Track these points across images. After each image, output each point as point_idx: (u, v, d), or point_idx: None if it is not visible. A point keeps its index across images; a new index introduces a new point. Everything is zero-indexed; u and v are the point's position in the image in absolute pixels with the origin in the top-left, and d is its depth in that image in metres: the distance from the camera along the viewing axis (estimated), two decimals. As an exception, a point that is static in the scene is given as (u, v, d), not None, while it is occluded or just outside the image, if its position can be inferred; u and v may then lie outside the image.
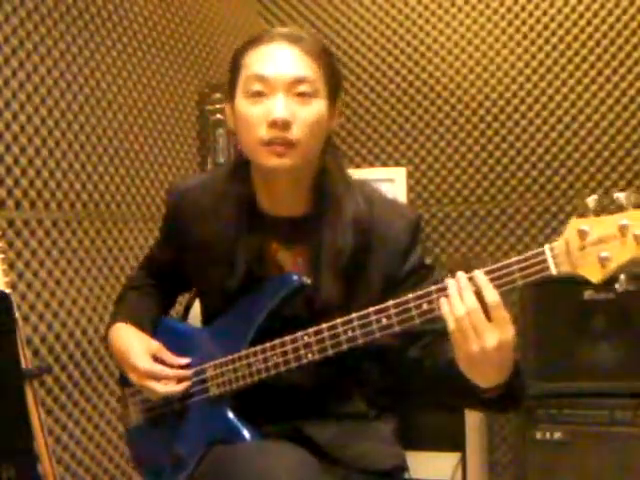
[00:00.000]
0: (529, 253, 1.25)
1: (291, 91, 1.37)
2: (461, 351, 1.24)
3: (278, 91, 1.37)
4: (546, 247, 1.24)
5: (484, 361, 1.23)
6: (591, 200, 1.21)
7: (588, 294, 2.64)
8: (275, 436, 1.44)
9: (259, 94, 1.37)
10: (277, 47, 1.39)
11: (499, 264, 1.26)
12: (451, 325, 1.24)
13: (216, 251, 1.50)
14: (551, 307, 2.70)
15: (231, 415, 1.47)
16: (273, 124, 1.36)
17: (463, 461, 2.82)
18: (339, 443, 1.49)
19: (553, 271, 1.23)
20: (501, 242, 3.35)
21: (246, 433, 1.44)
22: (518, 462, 2.85)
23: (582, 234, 1.20)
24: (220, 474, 1.39)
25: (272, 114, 1.36)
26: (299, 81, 1.37)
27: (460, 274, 1.26)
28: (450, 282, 1.26)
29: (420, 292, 1.30)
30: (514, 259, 1.26)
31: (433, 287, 1.30)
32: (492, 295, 1.23)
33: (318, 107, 1.40)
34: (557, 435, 2.71)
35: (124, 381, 1.66)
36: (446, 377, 1.36)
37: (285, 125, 1.36)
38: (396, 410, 1.61)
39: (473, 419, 2.92)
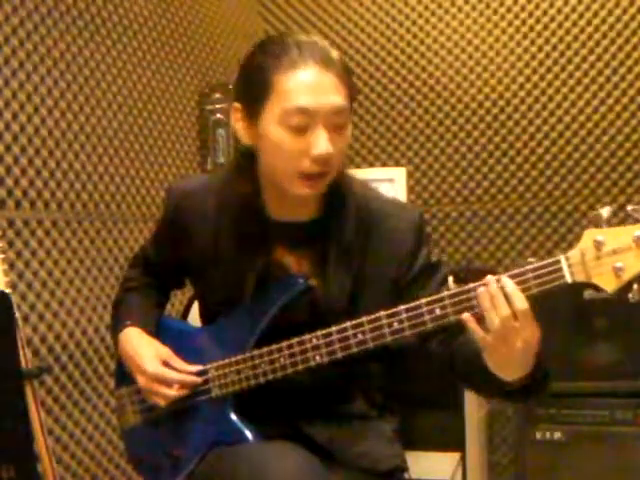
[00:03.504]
0: (544, 262, 1.27)
1: (330, 122, 1.35)
2: (490, 352, 1.28)
3: (319, 123, 1.34)
4: (562, 257, 1.26)
5: (510, 359, 1.27)
6: (605, 211, 1.25)
7: (588, 294, 2.64)
8: (276, 436, 1.44)
9: (299, 126, 1.35)
10: (314, 74, 1.34)
11: (514, 271, 1.28)
12: (490, 326, 1.25)
13: (220, 256, 1.49)
14: (551, 307, 2.70)
15: (234, 416, 1.47)
16: (317, 160, 1.35)
17: (463, 461, 2.82)
18: (340, 443, 1.49)
19: (568, 280, 1.26)
20: (501, 242, 3.35)
21: (248, 434, 1.44)
22: (518, 462, 2.85)
23: (597, 244, 1.24)
24: (222, 475, 1.39)
25: (317, 150, 1.34)
26: (338, 112, 1.36)
27: (490, 278, 1.27)
28: (481, 292, 1.27)
29: (432, 297, 1.32)
30: (529, 267, 1.28)
31: (445, 293, 1.31)
32: (521, 302, 1.25)
33: (348, 133, 1.41)
34: (557, 435, 2.70)
35: (122, 380, 1.66)
36: (466, 370, 1.39)
37: (328, 160, 1.36)
38: (397, 410, 1.61)
39: (473, 419, 2.92)
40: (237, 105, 1.43)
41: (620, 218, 1.27)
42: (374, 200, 1.51)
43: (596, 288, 1.25)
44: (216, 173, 1.62)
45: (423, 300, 1.32)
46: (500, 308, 1.25)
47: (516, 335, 1.25)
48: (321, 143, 1.34)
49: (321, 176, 1.38)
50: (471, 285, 1.30)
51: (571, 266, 1.25)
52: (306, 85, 1.34)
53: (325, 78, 1.35)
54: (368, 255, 1.46)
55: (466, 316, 1.27)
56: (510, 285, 1.26)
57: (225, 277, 1.50)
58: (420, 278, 1.47)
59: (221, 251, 1.49)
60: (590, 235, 1.25)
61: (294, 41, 1.38)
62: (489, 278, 1.28)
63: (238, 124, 1.44)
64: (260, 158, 1.43)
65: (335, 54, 1.38)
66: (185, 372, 1.50)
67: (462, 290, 1.30)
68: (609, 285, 1.24)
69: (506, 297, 1.25)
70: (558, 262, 1.26)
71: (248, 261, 1.46)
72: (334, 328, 1.38)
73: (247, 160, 1.47)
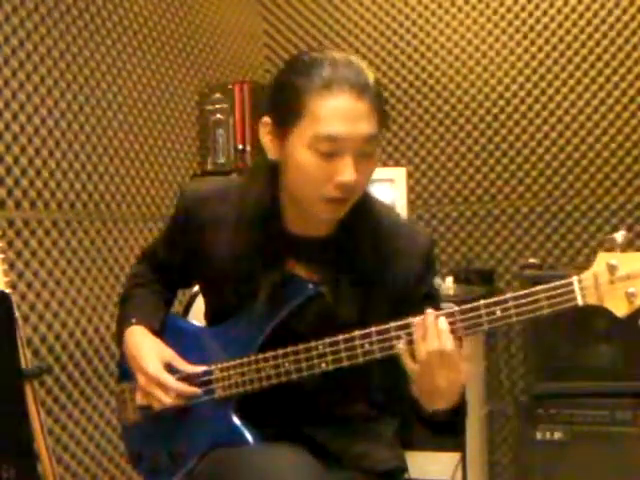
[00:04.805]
0: (557, 283, 1.28)
1: (358, 150, 1.34)
2: (415, 380, 1.34)
3: (347, 151, 1.33)
4: (574, 279, 1.27)
5: (433, 391, 1.33)
6: (619, 235, 1.26)
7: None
8: (277, 437, 1.44)
9: (330, 154, 1.34)
10: (348, 101, 1.33)
11: (526, 291, 1.29)
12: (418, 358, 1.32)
13: (232, 265, 1.48)
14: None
15: (235, 418, 1.47)
16: (341, 187, 1.35)
17: (463, 461, 2.82)
18: (340, 444, 1.49)
19: (579, 302, 1.27)
20: (501, 242, 3.35)
21: (249, 436, 1.44)
22: (518, 462, 2.85)
23: (611, 268, 1.25)
24: (221, 476, 1.39)
25: (342, 177, 1.33)
26: (368, 140, 1.35)
27: (428, 312, 1.33)
28: (417, 322, 1.33)
29: (443, 312, 1.34)
30: (540, 287, 1.28)
31: (457, 308, 1.33)
32: (448, 343, 1.30)
33: (376, 161, 1.40)
34: (557, 435, 2.71)
35: (124, 375, 1.66)
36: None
37: (352, 187, 1.36)
38: (397, 411, 1.61)
39: (473, 419, 2.92)
40: (267, 120, 1.41)
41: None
42: (390, 221, 1.51)
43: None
44: (233, 179, 1.61)
45: (430, 310, 1.34)
46: (429, 342, 1.30)
47: (440, 371, 1.30)
48: (347, 171, 1.33)
49: (343, 201, 1.38)
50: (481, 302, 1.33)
51: (583, 289, 1.26)
52: (339, 113, 1.33)
53: (358, 105, 1.33)
54: (379, 273, 1.46)
55: (400, 348, 1.33)
56: (443, 324, 1.30)
57: (236, 287, 1.49)
58: (420, 304, 1.48)
59: (234, 260, 1.48)
60: (604, 258, 1.26)
61: (329, 60, 1.36)
62: (428, 312, 1.32)
63: (266, 138, 1.42)
64: (284, 174, 1.43)
65: (371, 77, 1.37)
66: (188, 374, 1.50)
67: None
68: (620, 310, 1.26)
69: (438, 334, 1.30)
70: (570, 284, 1.27)
71: (261, 272, 1.46)
72: (341, 337, 1.38)
73: (270, 171, 1.46)
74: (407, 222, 1.58)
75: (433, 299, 1.51)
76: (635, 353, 2.68)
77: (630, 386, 2.68)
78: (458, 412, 1.40)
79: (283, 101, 1.38)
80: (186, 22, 3.11)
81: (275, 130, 1.40)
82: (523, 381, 3.16)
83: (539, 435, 2.72)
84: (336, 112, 1.33)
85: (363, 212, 1.47)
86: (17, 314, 1.93)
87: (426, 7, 3.43)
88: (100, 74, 2.59)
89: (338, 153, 1.34)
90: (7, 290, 1.88)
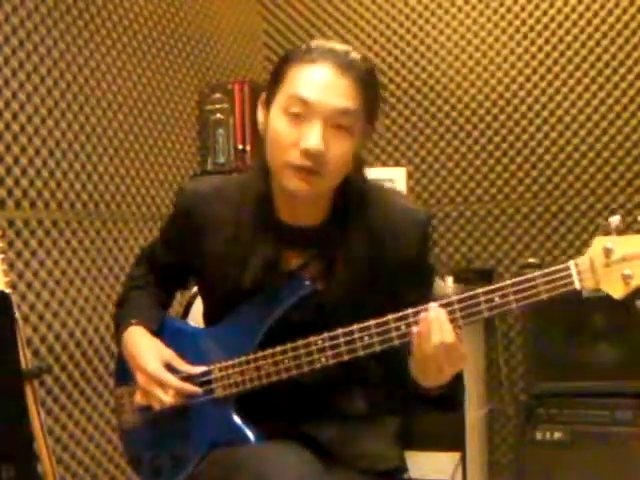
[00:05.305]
0: (554, 268, 1.29)
1: (330, 121, 1.34)
2: (417, 364, 1.36)
3: (317, 118, 1.33)
4: (571, 263, 1.29)
5: (434, 375, 1.36)
6: (614, 219, 1.28)
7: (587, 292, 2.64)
8: (277, 435, 1.44)
9: (297, 116, 1.34)
10: (326, 72, 1.34)
11: (524, 277, 1.30)
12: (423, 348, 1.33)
13: (229, 259, 1.49)
14: (551, 306, 2.70)
15: (236, 417, 1.47)
16: (305, 153, 1.34)
17: (463, 461, 2.82)
18: (340, 443, 1.49)
19: (577, 286, 1.29)
20: (501, 242, 3.35)
21: (250, 435, 1.44)
22: (518, 462, 2.85)
23: (607, 252, 1.26)
24: (222, 476, 1.39)
25: (307, 142, 1.33)
26: (341, 113, 1.35)
27: (431, 305, 1.33)
28: (422, 317, 1.34)
29: (443, 301, 1.34)
30: (539, 273, 1.30)
31: (455, 297, 1.34)
32: (449, 336, 1.30)
33: (352, 142, 1.38)
34: (557, 435, 2.71)
35: (122, 378, 1.66)
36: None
37: (317, 156, 1.34)
38: (397, 410, 1.61)
39: (473, 419, 2.92)
40: (264, 95, 1.45)
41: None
42: (387, 205, 1.50)
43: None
44: (232, 177, 1.63)
45: (432, 304, 1.34)
46: (433, 336, 1.30)
47: (444, 361, 1.31)
48: (312, 137, 1.33)
49: (311, 173, 1.36)
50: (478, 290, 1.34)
51: (580, 272, 1.28)
52: (315, 80, 1.34)
53: (337, 80, 1.34)
54: (374, 260, 1.46)
55: (415, 331, 1.33)
56: (442, 317, 1.31)
57: (234, 283, 1.49)
58: (418, 282, 1.50)
59: (231, 253, 1.49)
60: (600, 242, 1.27)
61: (324, 45, 1.38)
62: (430, 306, 1.33)
63: (260, 111, 1.45)
64: (265, 150, 1.43)
65: (363, 66, 1.37)
66: (187, 374, 1.50)
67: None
68: (617, 292, 1.27)
69: (440, 328, 1.30)
70: (568, 268, 1.28)
71: (258, 268, 1.46)
72: (340, 331, 1.38)
73: (264, 164, 1.46)
74: (403, 203, 1.55)
75: (430, 276, 1.54)
76: (635, 353, 2.68)
77: (630, 386, 2.68)
78: (456, 385, 1.41)
79: (272, 74, 1.42)
80: (186, 22, 3.11)
81: (265, 103, 1.43)
82: (523, 381, 3.16)
83: (539, 435, 2.72)
84: (312, 78, 1.35)
85: (356, 199, 1.46)
86: (17, 314, 1.93)
87: (426, 7, 3.42)
88: (100, 74, 2.60)
89: (308, 118, 1.34)
90: (7, 290, 1.88)
